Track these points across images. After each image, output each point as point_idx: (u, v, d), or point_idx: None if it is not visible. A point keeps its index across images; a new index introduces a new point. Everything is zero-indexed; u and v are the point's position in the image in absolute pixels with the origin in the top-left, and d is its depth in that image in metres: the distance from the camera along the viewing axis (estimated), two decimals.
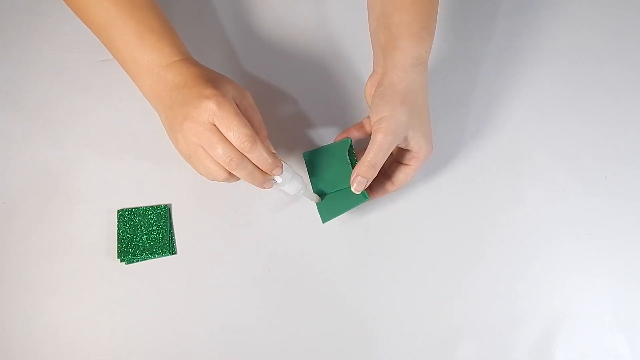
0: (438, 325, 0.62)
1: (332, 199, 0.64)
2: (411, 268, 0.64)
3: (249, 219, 0.66)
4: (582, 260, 0.65)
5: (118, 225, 0.65)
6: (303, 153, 0.67)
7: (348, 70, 0.74)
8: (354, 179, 0.60)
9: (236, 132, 0.55)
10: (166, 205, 0.67)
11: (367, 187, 0.61)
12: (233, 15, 0.77)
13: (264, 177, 0.58)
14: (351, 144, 0.64)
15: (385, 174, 0.65)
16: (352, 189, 0.60)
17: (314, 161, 0.66)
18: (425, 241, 0.66)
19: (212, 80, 0.58)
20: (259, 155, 0.56)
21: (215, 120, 0.55)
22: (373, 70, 0.66)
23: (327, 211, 0.63)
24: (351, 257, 0.65)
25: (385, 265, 0.64)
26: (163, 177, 0.68)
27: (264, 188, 0.59)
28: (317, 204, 0.65)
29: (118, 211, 0.66)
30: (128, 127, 0.71)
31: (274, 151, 0.59)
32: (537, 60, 0.77)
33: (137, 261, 0.64)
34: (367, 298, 0.63)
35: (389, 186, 0.64)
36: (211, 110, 0.55)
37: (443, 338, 0.61)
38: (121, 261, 0.64)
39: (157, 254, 0.64)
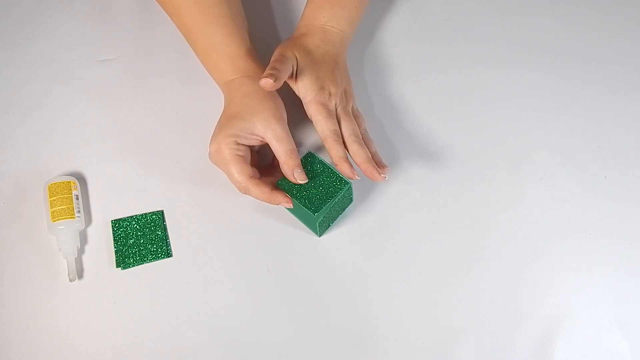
0: (438, 325, 0.62)
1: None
2: (411, 268, 0.64)
3: (247, 220, 0.66)
4: (582, 260, 0.65)
5: (113, 235, 0.65)
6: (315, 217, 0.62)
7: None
8: None
9: (230, 178, 0.61)
10: (159, 211, 0.67)
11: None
12: None
13: (276, 201, 0.61)
14: (312, 155, 0.63)
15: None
16: None
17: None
18: (425, 241, 0.66)
19: (235, 116, 0.61)
20: (256, 196, 0.60)
21: (216, 163, 0.62)
22: None
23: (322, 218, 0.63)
24: (351, 258, 0.65)
25: (385, 265, 0.64)
26: (156, 181, 0.68)
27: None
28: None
29: (112, 221, 0.66)
30: (128, 128, 0.72)
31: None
32: (537, 60, 0.77)
33: (134, 266, 0.64)
34: (366, 298, 0.63)
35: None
36: (211, 154, 0.61)
37: (443, 338, 0.61)
38: (117, 267, 0.64)
39: (153, 258, 0.64)
